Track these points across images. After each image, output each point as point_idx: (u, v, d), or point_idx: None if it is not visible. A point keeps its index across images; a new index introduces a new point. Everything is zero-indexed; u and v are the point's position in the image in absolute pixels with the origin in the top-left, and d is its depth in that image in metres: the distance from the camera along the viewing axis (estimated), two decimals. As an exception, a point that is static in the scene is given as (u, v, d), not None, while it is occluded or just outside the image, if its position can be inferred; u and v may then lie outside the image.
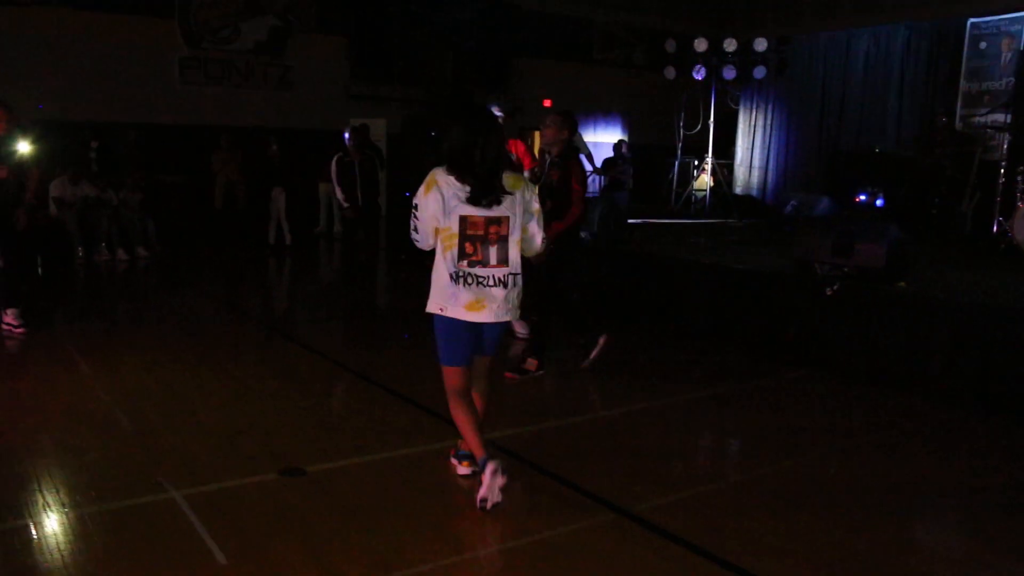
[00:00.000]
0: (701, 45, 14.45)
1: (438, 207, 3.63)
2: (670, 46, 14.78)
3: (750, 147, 16.22)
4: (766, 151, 15.89)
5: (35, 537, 3.43)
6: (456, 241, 3.66)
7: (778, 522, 3.82)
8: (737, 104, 16.17)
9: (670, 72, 14.87)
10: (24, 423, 4.76)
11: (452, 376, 3.87)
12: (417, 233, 3.75)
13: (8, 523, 3.53)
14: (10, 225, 6.55)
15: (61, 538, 3.43)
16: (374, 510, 3.81)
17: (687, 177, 15.58)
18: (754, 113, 16.12)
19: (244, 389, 5.55)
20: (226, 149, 13.13)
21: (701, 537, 3.58)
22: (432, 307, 3.76)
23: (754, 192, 15.92)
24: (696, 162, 15.45)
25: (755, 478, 4.37)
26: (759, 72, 14.35)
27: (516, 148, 6.67)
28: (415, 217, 3.71)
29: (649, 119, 17.89)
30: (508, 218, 3.72)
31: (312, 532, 3.55)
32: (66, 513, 3.65)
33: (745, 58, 14.34)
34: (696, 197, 15.26)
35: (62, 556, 3.27)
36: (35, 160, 6.89)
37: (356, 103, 15.34)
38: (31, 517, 3.59)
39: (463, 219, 3.64)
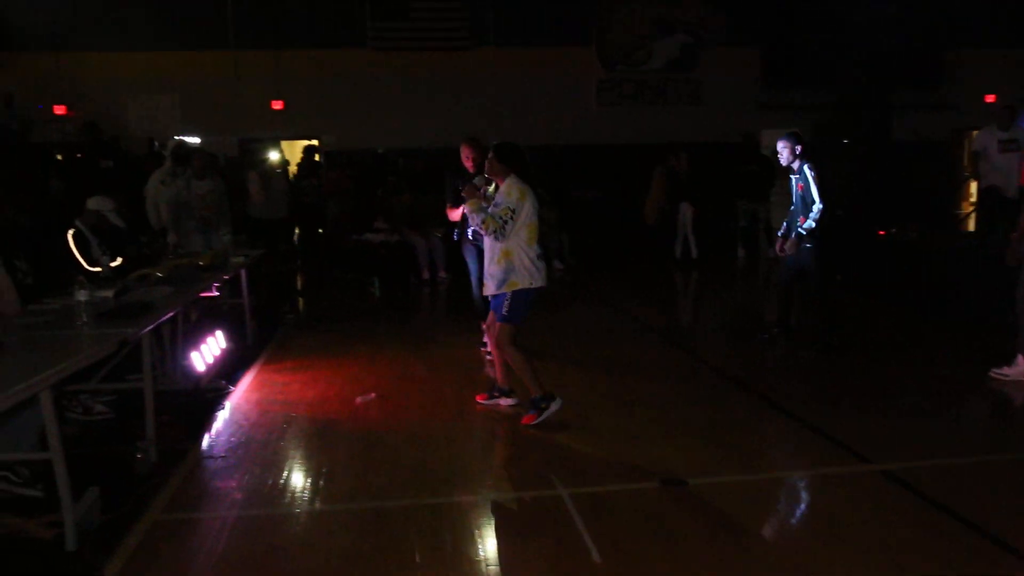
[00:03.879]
0: None
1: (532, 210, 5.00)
2: None
3: None
4: None
5: (439, 516, 3.89)
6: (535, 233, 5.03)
7: None
8: None
9: None
10: (443, 416, 5.42)
11: (515, 332, 5.10)
12: (505, 228, 4.89)
13: (422, 499, 4.06)
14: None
15: (459, 521, 3.86)
16: (749, 529, 3.70)
17: None
18: None
19: (635, 398, 5.72)
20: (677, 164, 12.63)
21: None
22: (523, 283, 4.98)
23: None
24: None
25: None
26: None
27: None
28: (511, 219, 4.89)
29: None
30: None
31: (683, 543, 3.55)
32: (464, 498, 4.09)
33: None
34: None
35: (458, 536, 3.68)
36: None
37: (766, 112, 15.00)
38: (440, 497, 4.09)
39: (541, 218, 5.10)
